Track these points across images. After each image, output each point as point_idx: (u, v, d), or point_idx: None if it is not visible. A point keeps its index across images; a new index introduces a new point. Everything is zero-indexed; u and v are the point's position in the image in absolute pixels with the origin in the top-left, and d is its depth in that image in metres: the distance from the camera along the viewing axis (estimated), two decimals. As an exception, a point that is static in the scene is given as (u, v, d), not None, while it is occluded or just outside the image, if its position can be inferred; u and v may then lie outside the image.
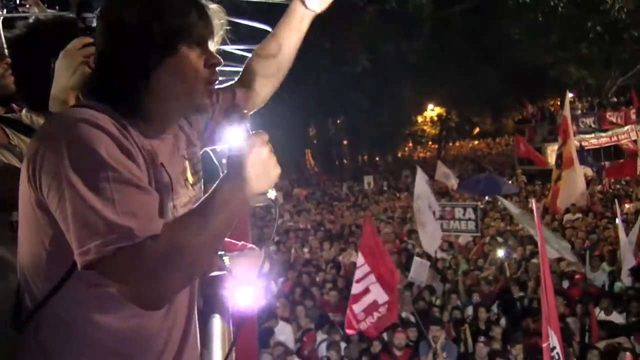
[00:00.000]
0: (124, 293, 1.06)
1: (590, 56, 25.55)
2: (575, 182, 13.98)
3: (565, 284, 8.74)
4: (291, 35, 1.63)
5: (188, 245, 1.05)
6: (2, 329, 1.30)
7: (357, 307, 6.77)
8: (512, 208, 9.94)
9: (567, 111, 14.76)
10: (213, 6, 1.24)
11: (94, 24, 1.43)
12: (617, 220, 8.77)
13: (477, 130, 43.02)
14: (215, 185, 1.13)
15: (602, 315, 7.28)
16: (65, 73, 1.43)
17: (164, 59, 1.16)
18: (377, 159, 35.98)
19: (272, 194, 1.20)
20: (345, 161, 34.83)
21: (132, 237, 1.01)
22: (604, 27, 23.26)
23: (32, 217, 1.14)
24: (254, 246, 1.76)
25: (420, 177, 10.35)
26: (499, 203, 16.78)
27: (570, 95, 14.28)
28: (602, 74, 27.47)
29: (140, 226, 1.02)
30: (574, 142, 14.00)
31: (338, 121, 32.81)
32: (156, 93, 1.19)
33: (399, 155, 38.75)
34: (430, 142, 43.17)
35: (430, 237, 9.60)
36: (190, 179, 1.36)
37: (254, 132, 1.16)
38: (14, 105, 1.83)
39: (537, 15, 21.54)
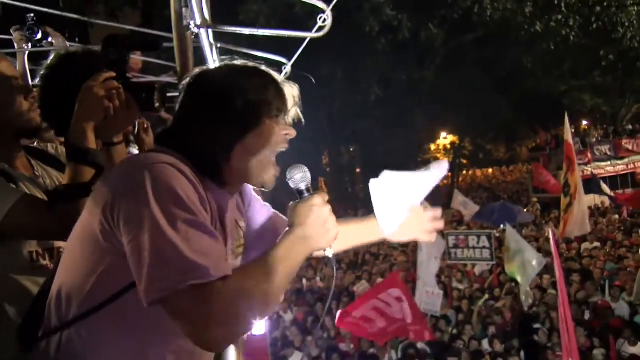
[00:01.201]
0: (186, 330, 1.08)
1: (604, 84, 25.53)
2: (581, 213, 13.80)
3: (585, 315, 8.53)
4: (349, 241, 1.69)
5: (254, 290, 1.11)
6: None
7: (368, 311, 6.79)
8: (514, 239, 9.69)
9: (568, 136, 14.56)
10: (288, 83, 1.34)
11: (117, 58, 1.48)
12: None
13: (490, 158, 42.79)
14: (280, 238, 1.20)
15: (626, 347, 7.08)
16: (86, 104, 1.46)
17: (250, 130, 1.26)
18: (391, 187, 35.83)
19: (329, 252, 1.28)
20: (358, 189, 34.78)
21: (207, 275, 1.05)
22: (617, 56, 23.29)
23: (90, 244, 1.19)
24: None
25: None
26: (506, 232, 16.61)
27: (567, 121, 14.02)
28: (616, 102, 27.39)
29: (213, 266, 1.06)
30: (579, 171, 13.82)
31: (351, 149, 32.94)
32: (235, 161, 1.27)
33: (412, 183, 38.55)
34: (443, 170, 42.95)
35: (422, 283, 9.22)
36: (238, 249, 1.44)
37: (314, 192, 1.25)
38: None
39: (549, 45, 21.62)
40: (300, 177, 1.27)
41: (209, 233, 1.11)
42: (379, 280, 10.70)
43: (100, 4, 20.36)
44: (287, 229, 1.22)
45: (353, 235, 1.69)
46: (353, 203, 29.46)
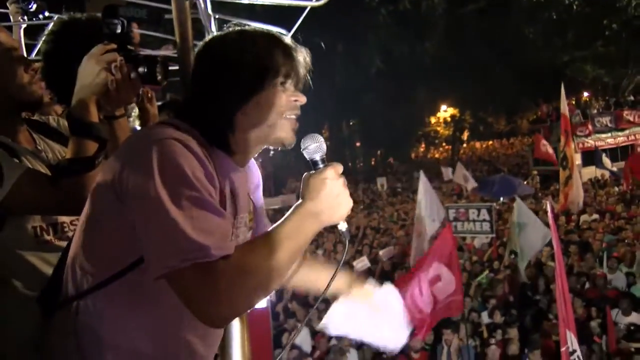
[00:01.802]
0: (191, 308, 1.09)
1: (607, 54, 25.21)
2: (578, 185, 13.91)
3: (586, 286, 8.61)
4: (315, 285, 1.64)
5: (258, 268, 1.10)
6: (27, 318, 1.38)
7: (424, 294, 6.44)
8: (523, 211, 9.75)
9: (564, 109, 14.55)
10: (300, 48, 1.31)
11: (118, 30, 1.45)
12: None
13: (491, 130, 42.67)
14: (289, 212, 1.18)
15: (620, 317, 7.17)
16: (87, 77, 1.44)
17: (253, 95, 1.24)
18: (391, 160, 35.87)
19: (343, 225, 1.26)
20: (358, 162, 34.78)
21: (208, 255, 1.05)
22: (620, 25, 22.96)
23: (102, 216, 1.20)
24: None
25: (424, 183, 10.07)
26: (514, 204, 16.70)
27: (563, 93, 14.00)
28: (619, 73, 27.10)
29: (215, 245, 1.06)
30: (574, 143, 13.93)
31: (351, 122, 32.81)
32: (241, 127, 1.26)
33: (412, 156, 38.58)
34: (443, 143, 42.93)
35: (420, 247, 9.30)
36: (250, 221, 1.43)
37: (329, 163, 1.22)
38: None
39: (551, 14, 21.30)
40: (314, 147, 1.23)
41: (214, 210, 1.10)
42: (380, 251, 10.78)
43: (96, -25, 20.01)
44: (299, 201, 1.19)
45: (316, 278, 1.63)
46: (353, 177, 29.53)
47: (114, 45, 1.45)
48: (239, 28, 1.30)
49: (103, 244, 1.21)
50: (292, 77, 1.28)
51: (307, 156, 1.23)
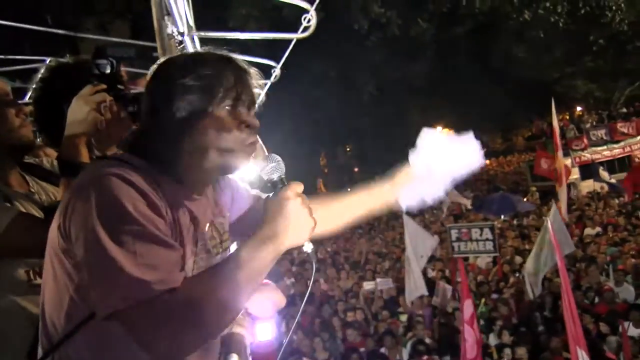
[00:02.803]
0: (139, 345, 1.04)
1: (596, 69, 25.53)
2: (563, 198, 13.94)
3: (595, 301, 8.51)
4: (363, 210, 1.67)
5: (205, 300, 1.04)
6: None
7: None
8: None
9: (554, 122, 14.69)
10: (251, 70, 1.26)
11: (107, 71, 1.46)
12: None
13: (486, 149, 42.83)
14: (246, 240, 1.13)
15: (632, 329, 7.07)
16: (77, 118, 1.44)
17: (198, 120, 1.18)
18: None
19: (308, 246, 1.19)
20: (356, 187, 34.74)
21: (150, 291, 1.01)
22: (606, 40, 23.31)
23: (59, 263, 1.15)
24: (268, 281, 1.73)
25: (408, 223, 9.84)
26: (515, 221, 16.67)
27: (554, 107, 14.23)
28: (609, 86, 27.38)
29: (158, 280, 1.02)
30: (561, 155, 14.04)
31: (348, 149, 32.93)
32: (189, 155, 1.20)
33: (411, 179, 38.56)
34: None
35: (412, 287, 9.15)
36: (215, 248, 1.35)
37: (286, 184, 1.17)
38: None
39: (538, 33, 21.65)
40: (270, 168, 1.19)
41: (158, 241, 1.06)
42: (383, 278, 10.68)
43: (91, 17, 20.33)
44: (258, 226, 1.14)
45: (358, 205, 1.64)
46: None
47: (103, 86, 1.46)
48: (190, 51, 1.28)
49: (62, 295, 1.16)
50: (243, 100, 1.22)
51: (264, 177, 1.20)
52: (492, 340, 7.66)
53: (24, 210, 1.47)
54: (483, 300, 9.38)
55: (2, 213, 1.38)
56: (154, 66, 1.26)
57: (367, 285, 10.13)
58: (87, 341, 1.16)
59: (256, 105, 1.26)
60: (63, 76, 1.70)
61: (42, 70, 1.77)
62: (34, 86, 1.76)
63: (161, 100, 1.19)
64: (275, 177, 1.19)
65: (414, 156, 1.67)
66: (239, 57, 1.80)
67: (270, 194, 1.17)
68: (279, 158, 1.21)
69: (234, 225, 1.49)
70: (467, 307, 6.54)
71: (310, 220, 1.16)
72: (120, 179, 1.08)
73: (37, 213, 1.51)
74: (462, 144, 1.67)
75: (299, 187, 1.16)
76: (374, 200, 1.66)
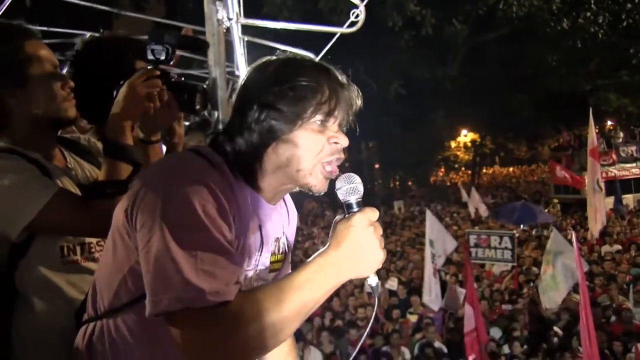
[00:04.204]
0: (182, 352, 1.02)
1: (631, 84, 24.91)
2: (595, 212, 13.44)
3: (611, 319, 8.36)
4: None
5: (258, 318, 1.01)
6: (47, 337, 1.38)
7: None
8: (558, 240, 9.43)
9: (593, 137, 13.93)
10: (350, 85, 1.21)
11: (162, 57, 1.44)
12: None
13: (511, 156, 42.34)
14: (309, 259, 1.09)
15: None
16: (125, 104, 1.43)
17: (286, 131, 1.14)
18: (410, 183, 35.67)
19: (373, 279, 1.13)
20: (376, 185, 34.65)
21: (203, 300, 0.99)
22: (646, 55, 22.74)
23: (120, 243, 1.15)
24: None
25: (431, 220, 9.69)
26: (534, 232, 16.45)
27: (591, 119, 13.73)
28: (643, 102, 26.73)
29: (214, 290, 0.99)
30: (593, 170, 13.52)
31: (370, 145, 32.79)
32: (270, 164, 1.17)
33: (432, 180, 38.32)
34: (463, 168, 42.62)
35: (428, 288, 9.05)
36: (274, 264, 1.32)
37: (361, 208, 1.10)
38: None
39: (576, 43, 21.18)
40: (347, 189, 1.12)
41: (221, 250, 1.03)
42: (396, 277, 10.63)
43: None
44: (322, 249, 1.09)
45: None
46: (372, 199, 29.39)
47: (156, 72, 1.45)
48: (288, 55, 1.22)
49: (116, 271, 1.17)
50: (336, 115, 1.17)
51: (340, 197, 1.13)
52: (505, 349, 7.58)
53: (61, 185, 1.47)
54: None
55: (43, 188, 1.38)
56: (251, 67, 1.23)
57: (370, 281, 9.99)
58: (130, 321, 1.17)
59: (349, 122, 1.21)
60: (98, 52, 1.69)
61: (77, 44, 1.76)
62: (69, 59, 1.73)
63: (253, 103, 1.16)
64: (352, 199, 1.11)
65: None
66: (281, 46, 1.78)
67: (342, 216, 1.11)
68: (358, 179, 1.15)
69: None
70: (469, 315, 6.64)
71: (379, 252, 1.09)
72: (194, 176, 1.06)
73: (74, 189, 1.51)
74: None
75: (373, 215, 1.10)
76: None
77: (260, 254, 1.24)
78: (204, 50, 1.50)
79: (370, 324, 1.24)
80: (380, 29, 17.80)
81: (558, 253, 8.88)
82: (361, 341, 1.38)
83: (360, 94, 1.22)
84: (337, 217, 1.12)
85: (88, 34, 2.75)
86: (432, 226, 9.56)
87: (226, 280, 1.02)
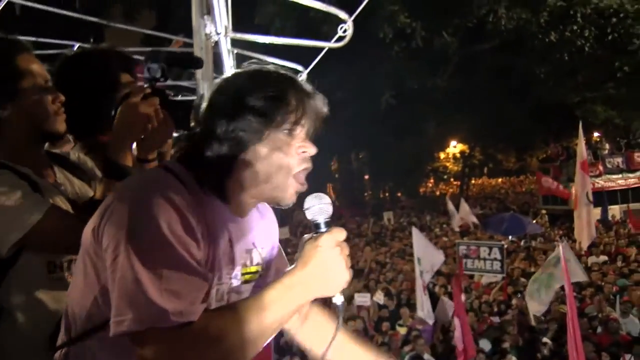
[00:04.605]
0: None
1: (618, 96, 25.29)
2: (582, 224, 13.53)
3: (598, 330, 8.41)
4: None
5: (222, 338, 1.01)
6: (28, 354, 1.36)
7: None
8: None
9: (582, 150, 13.98)
10: (317, 93, 1.21)
11: (158, 75, 1.45)
12: None
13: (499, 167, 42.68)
14: (275, 280, 1.09)
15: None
16: (127, 125, 1.44)
17: (255, 141, 1.14)
18: (399, 193, 35.79)
19: (338, 299, 1.13)
20: (366, 196, 34.72)
21: (167, 321, 0.99)
22: (631, 68, 23.10)
23: (90, 262, 1.14)
24: None
25: (417, 237, 9.62)
26: (523, 243, 16.55)
27: (580, 131, 13.89)
28: (629, 114, 27.11)
29: (177, 310, 0.99)
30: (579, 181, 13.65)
31: (360, 155, 32.91)
32: (239, 175, 1.16)
33: (421, 191, 38.49)
34: (452, 179, 42.89)
35: (420, 304, 9.00)
36: (245, 275, 1.30)
37: (329, 228, 1.10)
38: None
39: (563, 55, 21.51)
40: (317, 209, 1.12)
41: (187, 268, 1.03)
42: (383, 289, 10.62)
43: (117, 4, 20.52)
44: (289, 268, 1.10)
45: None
46: (362, 209, 29.42)
47: (149, 90, 1.45)
48: (255, 67, 1.22)
49: (87, 293, 1.15)
50: (303, 124, 1.17)
51: (309, 217, 1.13)
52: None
53: (51, 202, 1.45)
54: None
55: (36, 206, 1.37)
56: (219, 80, 1.23)
57: (359, 297, 9.97)
58: (102, 343, 1.15)
59: (317, 130, 1.21)
60: (87, 64, 1.70)
61: (63, 56, 1.76)
62: (55, 71, 1.72)
63: (221, 116, 1.15)
64: (320, 219, 1.11)
65: None
66: (269, 59, 1.79)
67: (310, 236, 1.11)
68: (327, 199, 1.14)
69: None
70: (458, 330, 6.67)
71: (345, 272, 1.09)
72: (161, 195, 1.05)
73: (64, 205, 1.49)
74: None
75: (341, 235, 1.10)
76: None
77: (233, 268, 1.23)
78: (199, 67, 1.51)
79: (332, 340, 1.23)
80: (371, 40, 17.95)
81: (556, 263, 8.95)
82: (326, 351, 1.34)
83: (327, 101, 1.22)
84: (305, 237, 1.12)
85: (77, 45, 2.76)
86: (419, 242, 9.56)
87: (191, 299, 1.02)
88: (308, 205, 1.13)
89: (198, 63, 1.51)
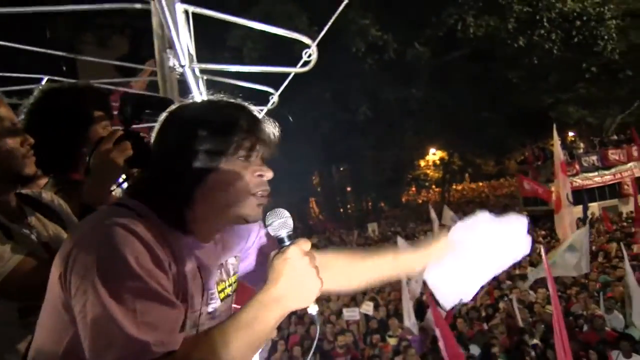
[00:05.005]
0: None
1: (589, 96, 25.90)
2: (566, 222, 13.78)
3: (584, 328, 8.50)
4: (387, 273, 1.54)
5: None
6: None
7: None
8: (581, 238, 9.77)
9: (558, 152, 14.34)
10: (267, 119, 1.23)
11: (130, 117, 1.47)
12: (625, 264, 8.55)
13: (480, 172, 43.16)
14: (248, 300, 1.09)
15: (621, 359, 7.05)
16: (103, 170, 1.45)
17: (212, 171, 1.14)
18: (382, 204, 35.94)
19: (313, 308, 1.15)
20: (349, 208, 34.77)
21: (149, 353, 0.98)
22: (599, 68, 23.72)
23: (56, 312, 1.10)
24: None
25: (402, 245, 9.53)
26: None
27: (555, 133, 14.22)
28: (601, 113, 27.76)
29: (158, 341, 0.99)
30: (561, 181, 13.91)
31: (341, 168, 33.02)
32: (200, 206, 1.16)
33: (403, 200, 38.70)
34: (433, 186, 43.25)
35: (407, 314, 9.12)
36: (222, 292, 1.31)
37: (294, 241, 1.12)
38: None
39: (532, 59, 22.01)
40: (278, 224, 1.15)
41: (161, 300, 1.02)
42: (373, 300, 10.61)
43: (89, 32, 20.41)
44: (263, 285, 1.11)
45: (383, 268, 1.50)
46: (344, 222, 29.44)
47: (121, 132, 1.47)
48: (203, 99, 1.24)
49: (52, 344, 1.12)
50: (257, 150, 1.19)
51: (271, 233, 1.16)
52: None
53: (27, 250, 1.42)
54: None
55: (8, 254, 1.35)
56: (166, 113, 1.23)
57: (347, 312, 9.95)
58: None
59: (272, 154, 1.23)
60: (58, 101, 1.69)
61: (35, 92, 1.75)
62: (25, 108, 1.71)
63: (173, 148, 1.16)
64: (282, 233, 1.14)
65: (455, 232, 1.49)
66: (239, 83, 1.80)
67: (277, 252, 1.12)
68: (287, 214, 1.17)
69: (254, 272, 1.45)
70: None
71: (317, 281, 1.11)
72: (125, 230, 1.04)
73: (38, 250, 1.47)
74: (511, 229, 1.47)
75: (306, 245, 1.12)
76: (400, 266, 1.54)
77: (203, 295, 1.24)
78: (165, 109, 1.54)
79: (314, 345, 1.26)
80: (344, 54, 18.13)
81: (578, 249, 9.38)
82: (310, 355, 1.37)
83: (277, 125, 1.24)
84: (272, 253, 1.13)
85: (46, 78, 2.75)
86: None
87: (169, 329, 1.02)
88: (269, 221, 1.15)
89: (168, 103, 1.53)
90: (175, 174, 1.14)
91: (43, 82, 2.76)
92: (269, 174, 1.20)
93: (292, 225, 1.15)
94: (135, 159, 1.47)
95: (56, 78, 2.66)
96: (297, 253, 1.10)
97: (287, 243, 1.13)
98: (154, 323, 0.99)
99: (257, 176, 1.18)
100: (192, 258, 1.20)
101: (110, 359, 0.97)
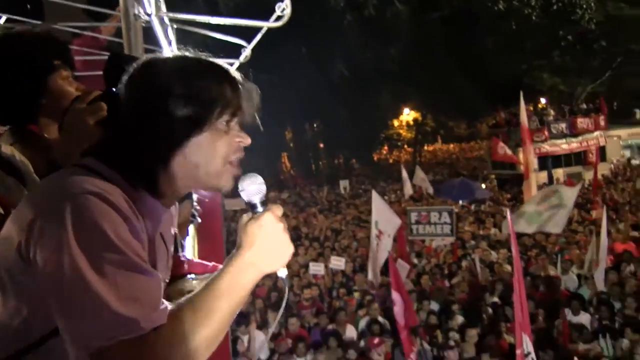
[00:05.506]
0: None
1: (563, 64, 26.16)
2: (531, 189, 14.21)
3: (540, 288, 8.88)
4: None
5: (191, 339, 1.00)
6: None
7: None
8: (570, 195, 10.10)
9: (524, 118, 14.61)
10: (248, 84, 1.19)
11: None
12: (603, 226, 8.82)
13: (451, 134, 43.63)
14: (223, 265, 1.08)
15: (571, 316, 7.44)
16: (75, 132, 1.38)
17: (193, 135, 1.11)
18: (354, 161, 36.13)
19: (283, 272, 1.16)
20: (321, 164, 34.88)
21: (137, 329, 0.94)
22: (575, 37, 23.88)
23: (11, 285, 1.04)
24: None
25: (377, 201, 9.91)
26: (473, 207, 17.14)
27: (522, 103, 14.53)
28: (573, 82, 28.14)
29: (144, 316, 0.95)
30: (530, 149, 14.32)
31: (314, 125, 32.88)
32: (174, 171, 1.13)
33: (375, 158, 38.96)
34: (406, 146, 43.57)
35: (371, 267, 9.44)
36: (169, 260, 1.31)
37: (267, 206, 1.12)
38: None
39: (510, 24, 21.98)
40: (253, 189, 1.13)
41: (142, 271, 0.98)
42: (341, 256, 10.83)
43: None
44: (234, 251, 1.09)
45: None
46: (316, 178, 29.58)
47: (98, 92, 1.38)
48: (181, 54, 1.17)
49: (9, 317, 1.06)
50: (238, 116, 1.16)
51: (244, 198, 1.14)
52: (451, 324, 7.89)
53: None
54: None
55: None
56: (138, 66, 1.15)
57: (314, 267, 10.17)
58: None
59: (252, 119, 1.20)
60: (14, 48, 1.58)
61: None
62: None
63: (151, 107, 1.10)
64: (256, 199, 1.13)
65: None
66: (211, 34, 1.72)
67: (249, 216, 1.11)
68: (261, 179, 1.16)
69: None
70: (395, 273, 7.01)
71: (290, 246, 1.12)
72: (100, 199, 0.99)
73: None
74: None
75: (279, 211, 1.11)
76: None
77: (170, 260, 1.24)
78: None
79: (282, 309, 1.29)
80: (322, 10, 17.75)
81: (559, 205, 9.78)
82: (275, 324, 1.39)
83: (259, 90, 1.22)
84: (244, 217, 1.12)
85: (5, 17, 2.60)
86: (378, 206, 9.76)
87: (154, 303, 0.99)
88: (242, 187, 1.14)
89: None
90: (152, 135, 1.10)
91: (1, 21, 2.61)
92: (247, 141, 1.18)
93: (265, 191, 1.15)
94: (110, 121, 1.41)
95: (17, 17, 2.52)
96: (272, 220, 1.10)
97: (261, 209, 1.13)
98: (137, 297, 0.96)
99: (236, 142, 1.16)
100: (157, 224, 1.18)
101: (97, 337, 0.94)
